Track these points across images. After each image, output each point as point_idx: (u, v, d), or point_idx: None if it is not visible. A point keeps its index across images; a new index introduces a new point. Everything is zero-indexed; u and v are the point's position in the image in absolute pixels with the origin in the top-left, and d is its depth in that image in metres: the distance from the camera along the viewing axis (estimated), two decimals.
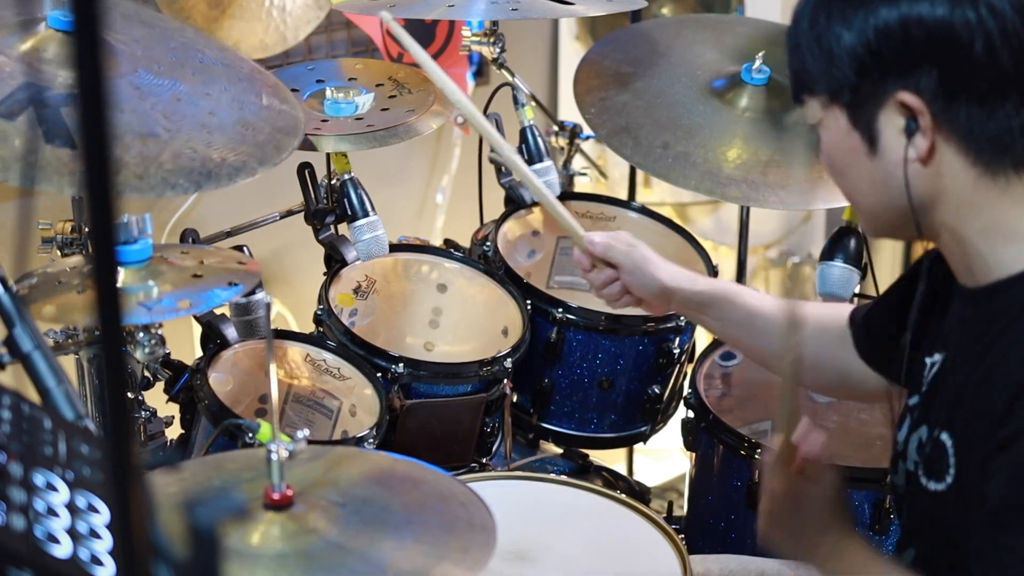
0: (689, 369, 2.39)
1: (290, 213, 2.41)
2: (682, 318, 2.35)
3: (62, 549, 1.05)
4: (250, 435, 1.76)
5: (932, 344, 1.48)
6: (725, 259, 3.53)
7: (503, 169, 2.54)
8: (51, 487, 1.09)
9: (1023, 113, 1.31)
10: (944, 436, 1.38)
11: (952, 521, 1.36)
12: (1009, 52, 1.29)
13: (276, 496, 1.37)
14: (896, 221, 1.39)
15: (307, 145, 2.21)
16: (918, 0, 1.29)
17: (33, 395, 1.24)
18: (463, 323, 2.45)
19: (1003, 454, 1.27)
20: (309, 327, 2.27)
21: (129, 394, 2.03)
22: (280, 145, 1.85)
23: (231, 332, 2.08)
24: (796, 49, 1.39)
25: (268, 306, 1.55)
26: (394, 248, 2.38)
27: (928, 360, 1.47)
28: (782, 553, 1.58)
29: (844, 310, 1.76)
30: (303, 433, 1.40)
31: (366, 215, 2.28)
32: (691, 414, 2.22)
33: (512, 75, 2.55)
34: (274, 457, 1.36)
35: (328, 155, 2.33)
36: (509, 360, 2.21)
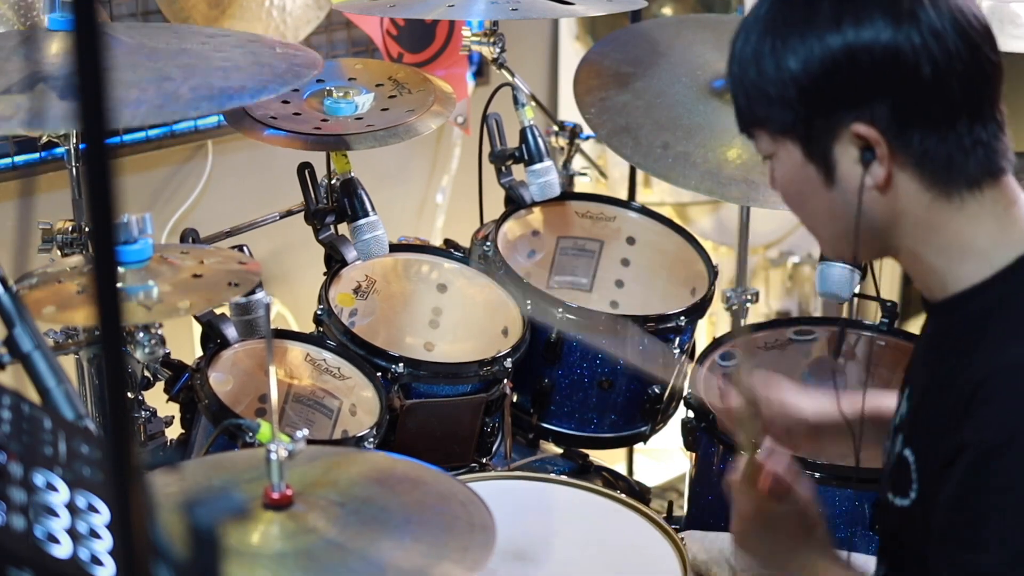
0: (689, 369, 2.39)
1: (290, 213, 2.41)
2: (682, 318, 2.35)
3: (62, 549, 1.05)
4: (250, 435, 1.76)
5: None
6: (725, 259, 3.54)
7: (503, 169, 2.54)
8: (51, 487, 1.09)
9: (975, 131, 1.30)
10: (907, 452, 1.38)
11: (917, 537, 1.36)
12: (955, 75, 1.28)
13: (276, 495, 1.37)
14: (855, 241, 1.38)
15: (342, 145, 2.22)
16: (862, 27, 1.27)
17: (33, 395, 1.24)
18: (463, 323, 2.45)
19: (950, 468, 1.27)
20: (309, 327, 2.27)
21: (129, 394, 2.02)
22: (299, 74, 1.85)
23: (231, 332, 2.08)
24: (740, 83, 1.36)
25: (268, 306, 1.55)
26: (394, 248, 2.38)
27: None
28: (756, 568, 1.58)
29: None
30: (303, 433, 1.40)
31: (366, 215, 2.28)
32: (691, 414, 2.22)
33: (512, 75, 2.55)
34: (274, 457, 1.36)
35: (328, 155, 2.33)
36: (509, 360, 2.21)
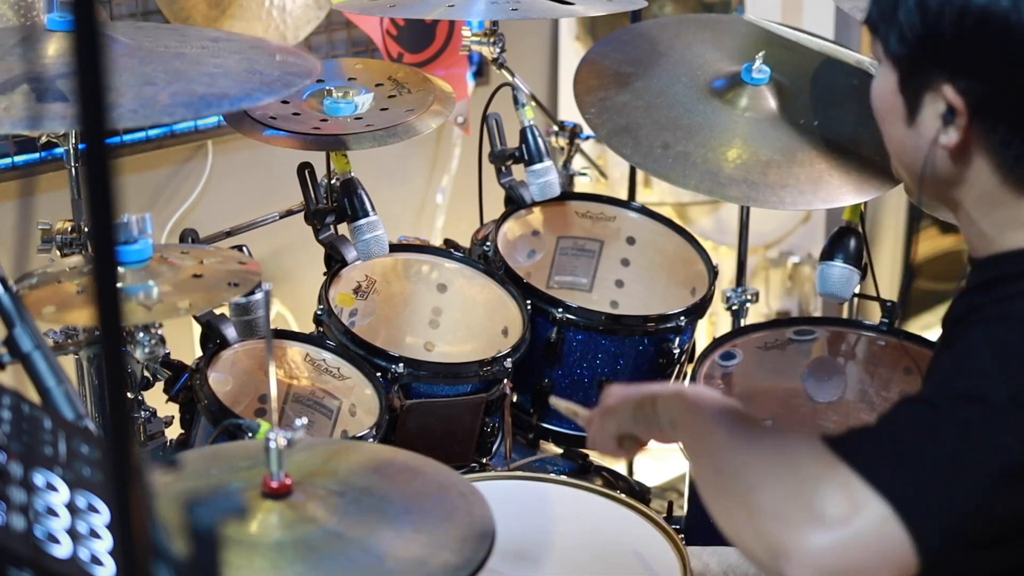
0: (689, 369, 2.39)
1: (290, 213, 2.41)
2: (682, 318, 2.35)
3: (62, 549, 1.05)
4: (250, 435, 1.76)
5: None
6: (725, 259, 3.53)
7: (503, 169, 2.55)
8: (51, 487, 1.09)
9: None
10: None
11: None
12: None
13: (275, 484, 1.37)
14: (917, 184, 1.41)
15: (341, 144, 2.22)
16: (1017, 9, 1.26)
17: (33, 395, 1.24)
18: (463, 323, 2.45)
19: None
20: (309, 327, 2.27)
21: (129, 394, 2.03)
22: (290, 83, 1.84)
23: (230, 332, 2.08)
24: None
25: (268, 293, 1.54)
26: (394, 248, 2.38)
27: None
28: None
29: None
30: (302, 421, 1.40)
31: (366, 215, 2.28)
32: None
33: (512, 75, 2.55)
34: (272, 446, 1.36)
35: (328, 155, 2.33)
36: (509, 360, 2.21)
